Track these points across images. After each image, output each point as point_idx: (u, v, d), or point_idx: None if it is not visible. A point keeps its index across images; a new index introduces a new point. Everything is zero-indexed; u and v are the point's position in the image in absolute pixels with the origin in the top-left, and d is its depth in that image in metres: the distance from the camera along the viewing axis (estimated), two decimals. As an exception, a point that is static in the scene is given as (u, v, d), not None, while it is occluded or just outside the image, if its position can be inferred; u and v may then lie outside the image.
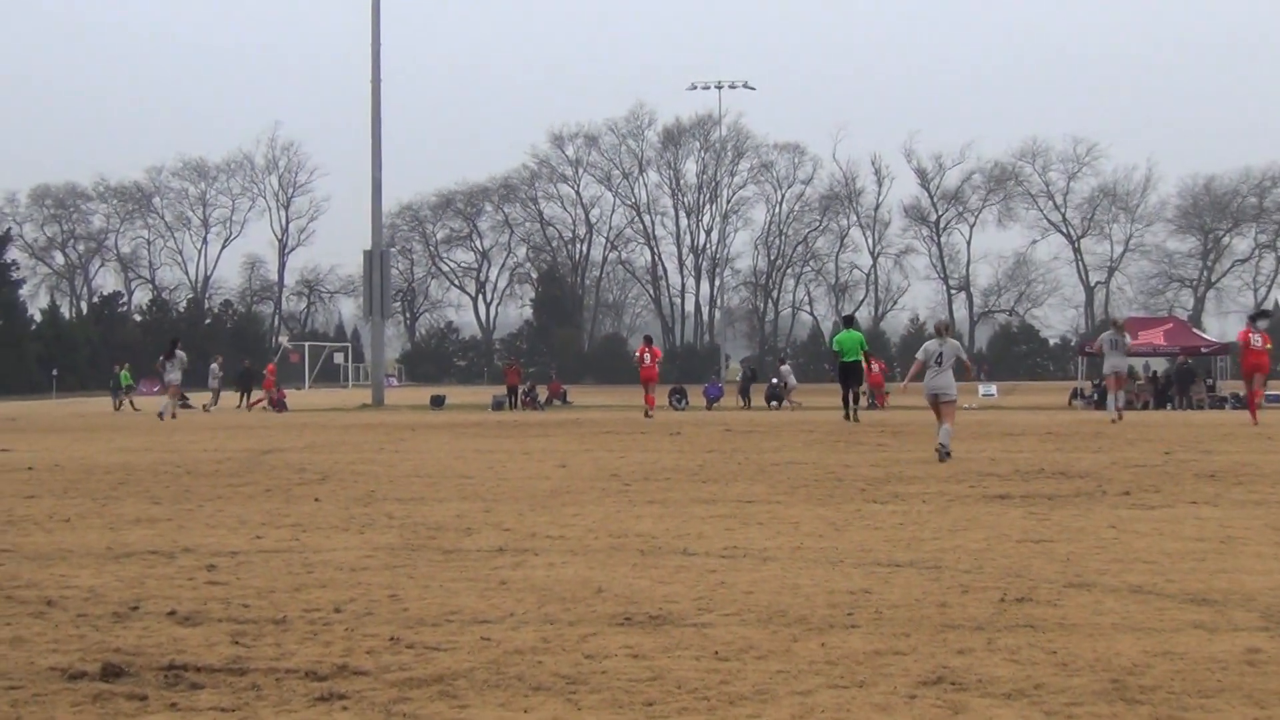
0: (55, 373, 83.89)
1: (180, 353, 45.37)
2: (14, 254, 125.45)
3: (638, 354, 44.61)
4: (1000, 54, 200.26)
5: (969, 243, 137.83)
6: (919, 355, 22.99)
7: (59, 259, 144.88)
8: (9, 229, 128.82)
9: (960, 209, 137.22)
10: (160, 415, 42.49)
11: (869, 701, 6.08)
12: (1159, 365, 63.75)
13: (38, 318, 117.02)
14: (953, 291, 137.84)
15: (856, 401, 34.96)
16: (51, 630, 7.80)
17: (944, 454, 21.33)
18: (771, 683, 6.40)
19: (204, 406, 58.57)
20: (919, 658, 6.91)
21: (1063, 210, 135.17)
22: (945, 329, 23.72)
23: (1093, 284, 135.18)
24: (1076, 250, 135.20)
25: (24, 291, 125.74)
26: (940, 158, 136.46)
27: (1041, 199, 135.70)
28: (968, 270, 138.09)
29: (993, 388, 70.32)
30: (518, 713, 5.97)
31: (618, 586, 9.15)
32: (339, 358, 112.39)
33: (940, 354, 22.54)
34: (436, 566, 10.14)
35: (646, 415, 40.40)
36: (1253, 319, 34.47)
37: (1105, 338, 34.35)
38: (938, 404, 22.32)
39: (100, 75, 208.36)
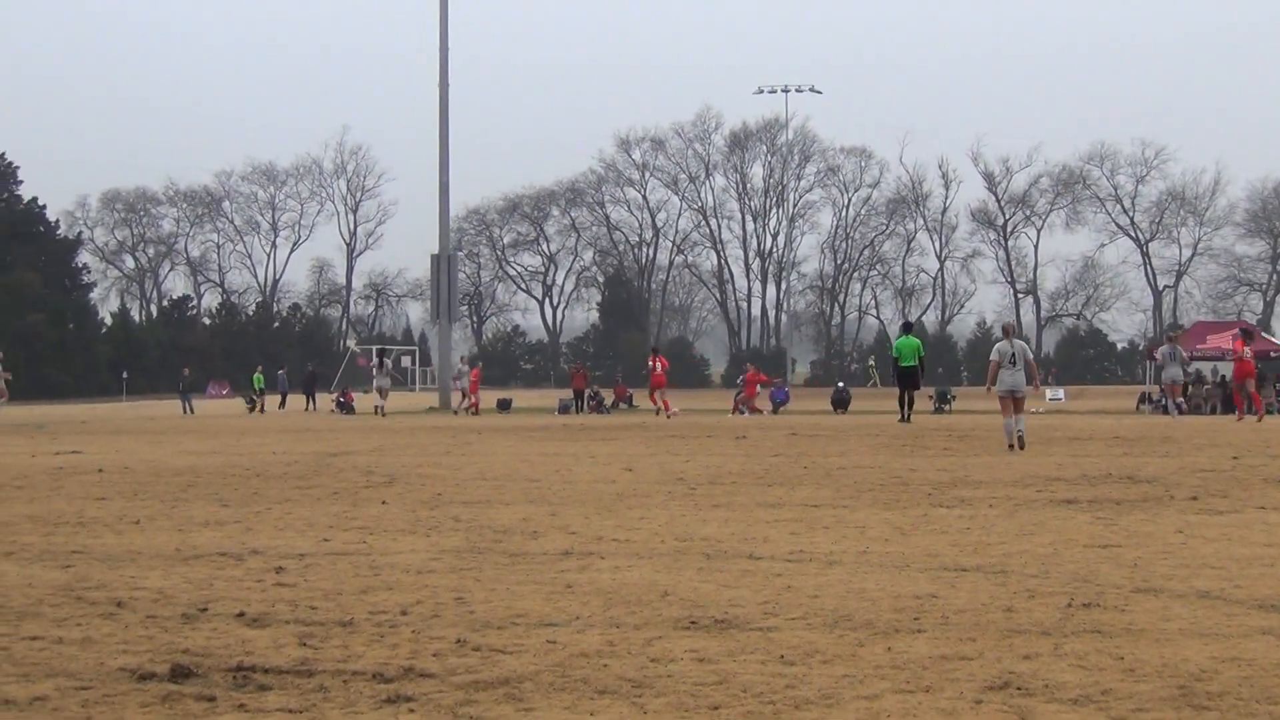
0: (125, 375, 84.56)
1: (388, 361, 53.08)
2: (85, 258, 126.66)
3: (649, 363, 48.77)
4: (1067, 57, 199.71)
5: (1036, 246, 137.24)
6: (993, 357, 25.46)
7: (129, 263, 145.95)
8: (80, 233, 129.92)
9: (1027, 212, 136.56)
10: (376, 410, 48.86)
11: (935, 706, 6.06)
12: (1227, 370, 63.17)
13: (108, 321, 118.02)
14: (1020, 295, 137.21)
15: (912, 405, 35.64)
16: (121, 631, 7.85)
17: (1021, 444, 23.73)
18: (837, 687, 6.39)
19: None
20: (985, 663, 6.88)
21: (1130, 214, 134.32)
22: (1012, 330, 26.26)
23: (1161, 288, 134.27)
24: (1144, 254, 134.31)
25: (95, 295, 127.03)
26: (1007, 161, 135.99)
27: (1109, 202, 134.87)
28: (1035, 274, 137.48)
29: (1060, 392, 69.86)
30: (583, 716, 5.98)
31: (683, 590, 9.15)
32: (406, 361, 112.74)
33: (1013, 354, 25.10)
34: (502, 569, 10.16)
35: (666, 416, 43.96)
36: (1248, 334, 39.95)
37: (1163, 350, 37.39)
38: (1012, 399, 24.57)
39: (170, 80, 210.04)
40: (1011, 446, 23.88)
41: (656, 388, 47.05)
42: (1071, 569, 10.01)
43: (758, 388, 53.68)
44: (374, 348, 64.43)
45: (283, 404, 64.82)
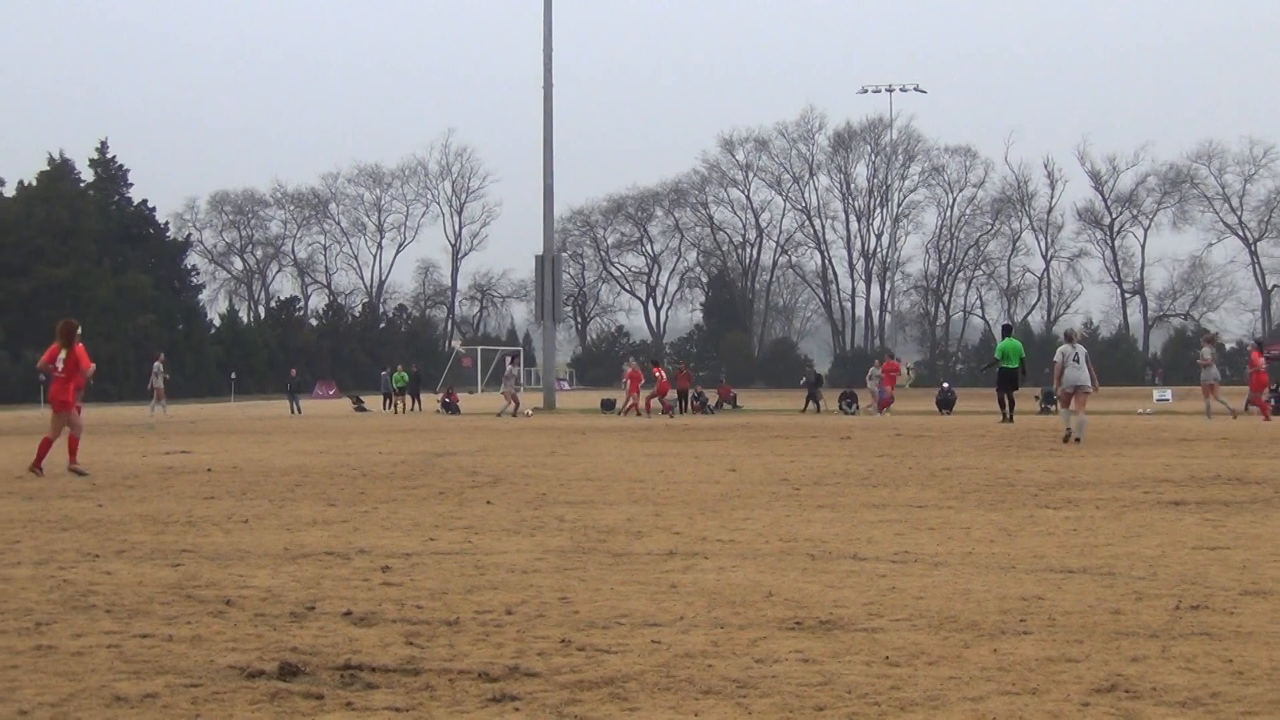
0: (233, 376, 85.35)
1: (516, 365, 55.57)
2: (194, 260, 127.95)
3: (654, 372, 54.40)
4: (1175, 54, 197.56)
5: (1143, 246, 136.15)
6: (1057, 358, 28.33)
7: (237, 264, 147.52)
8: (189, 235, 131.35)
9: (1134, 212, 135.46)
10: (514, 414, 50.01)
11: (1041, 709, 6.02)
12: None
13: (216, 322, 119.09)
14: (1126, 295, 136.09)
15: (1014, 406, 36.09)
16: (230, 629, 7.92)
17: (1077, 438, 26.39)
18: (943, 689, 6.37)
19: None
20: (1092, 665, 6.83)
21: (1239, 213, 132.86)
22: (1074, 335, 29.92)
23: (1269, 287, 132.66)
24: (1253, 253, 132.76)
25: (204, 296, 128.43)
26: (1114, 160, 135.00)
27: (1217, 201, 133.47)
28: (1142, 274, 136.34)
29: (1167, 393, 69.07)
30: (688, 716, 5.98)
31: (788, 591, 9.14)
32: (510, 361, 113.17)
33: (1076, 354, 28.02)
34: (607, 569, 10.18)
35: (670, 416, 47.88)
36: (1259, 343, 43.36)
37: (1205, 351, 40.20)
38: (1076, 394, 27.45)
39: (278, 84, 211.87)
40: (1066, 439, 26.63)
41: (662, 394, 51.47)
42: (1179, 571, 9.92)
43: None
44: (508, 354, 64.86)
45: (387, 404, 65.19)
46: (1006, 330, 43.11)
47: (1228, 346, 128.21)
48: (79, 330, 20.97)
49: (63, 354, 20.31)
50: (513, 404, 51.11)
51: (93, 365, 20.81)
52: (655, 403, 52.67)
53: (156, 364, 50.83)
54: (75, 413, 20.60)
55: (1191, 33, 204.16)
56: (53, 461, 20.32)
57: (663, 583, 9.51)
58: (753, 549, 11.36)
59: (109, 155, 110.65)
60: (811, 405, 55.95)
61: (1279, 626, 7.82)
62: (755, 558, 10.80)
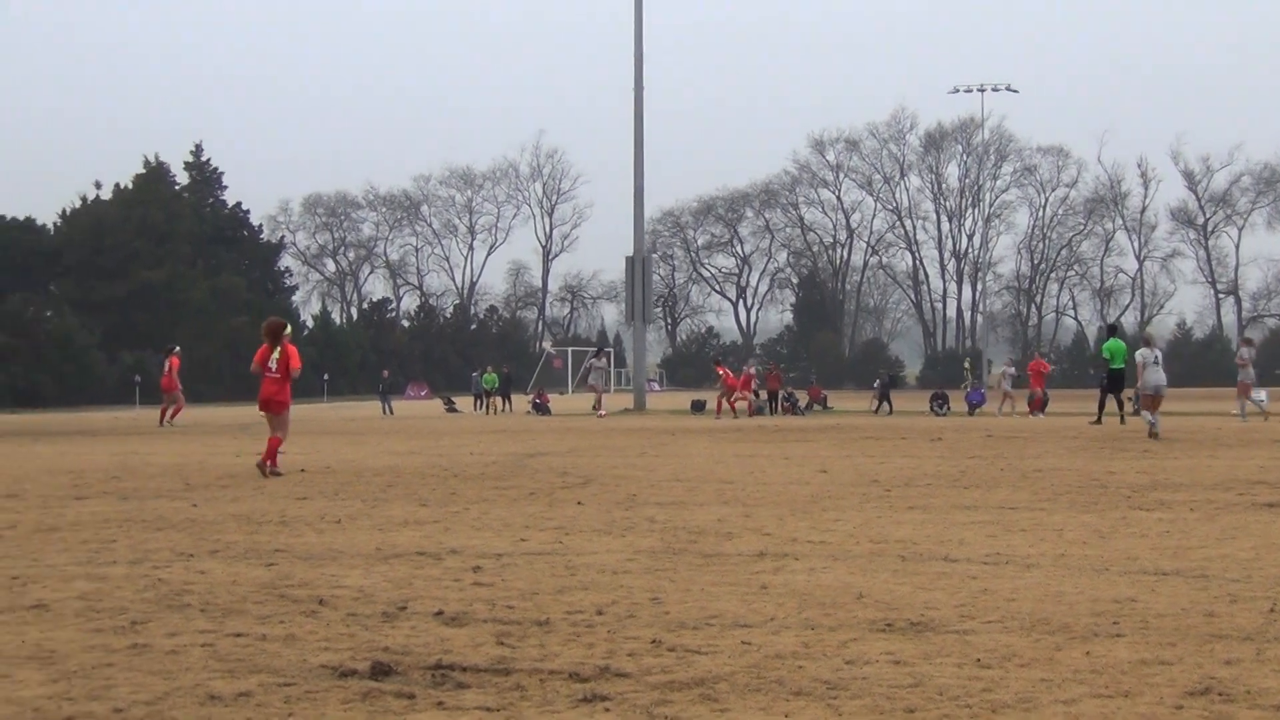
0: (326, 377, 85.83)
1: (600, 359, 57.67)
2: (287, 261, 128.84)
3: (718, 371, 54.25)
4: (1268, 52, 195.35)
5: (1237, 246, 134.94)
6: (1138, 359, 29.88)
7: (330, 266, 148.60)
8: (283, 237, 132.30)
9: (1229, 211, 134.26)
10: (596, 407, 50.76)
11: (1135, 711, 6.00)
12: None
13: (310, 323, 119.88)
14: (1221, 296, 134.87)
15: (1122, 407, 35.82)
16: (323, 629, 7.99)
17: (1156, 433, 27.88)
18: (1035, 691, 6.35)
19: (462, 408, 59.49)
20: (1185, 668, 6.79)
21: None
22: (1152, 339, 31.06)
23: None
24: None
25: (297, 298, 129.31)
26: (1208, 159, 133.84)
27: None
28: (1236, 274, 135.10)
29: (1263, 394, 68.22)
30: (778, 717, 5.99)
31: (878, 592, 9.12)
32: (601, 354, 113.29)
33: (1156, 356, 29.72)
34: (697, 570, 10.19)
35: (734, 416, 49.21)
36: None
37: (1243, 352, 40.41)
38: (1158, 396, 29.06)
39: (369, 86, 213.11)
40: (1152, 435, 27.79)
41: (730, 390, 51.82)
42: (1274, 574, 9.83)
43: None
44: (594, 348, 65.49)
45: (479, 405, 65.43)
46: (1112, 330, 43.03)
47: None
48: (288, 329, 21.17)
49: (275, 354, 20.46)
50: (599, 397, 51.32)
51: (301, 367, 20.87)
52: (732, 403, 52.50)
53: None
54: (287, 413, 20.72)
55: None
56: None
57: (753, 584, 9.52)
58: (843, 550, 11.35)
59: (204, 158, 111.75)
60: (885, 407, 55.75)
61: (1376, 630, 7.75)
62: (846, 559, 10.79)
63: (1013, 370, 55.14)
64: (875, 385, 61.68)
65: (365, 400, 64.37)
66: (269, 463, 19.76)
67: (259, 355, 20.65)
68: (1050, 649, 7.26)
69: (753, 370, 55.20)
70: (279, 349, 20.45)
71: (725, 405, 51.75)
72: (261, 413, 20.86)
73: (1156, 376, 29.27)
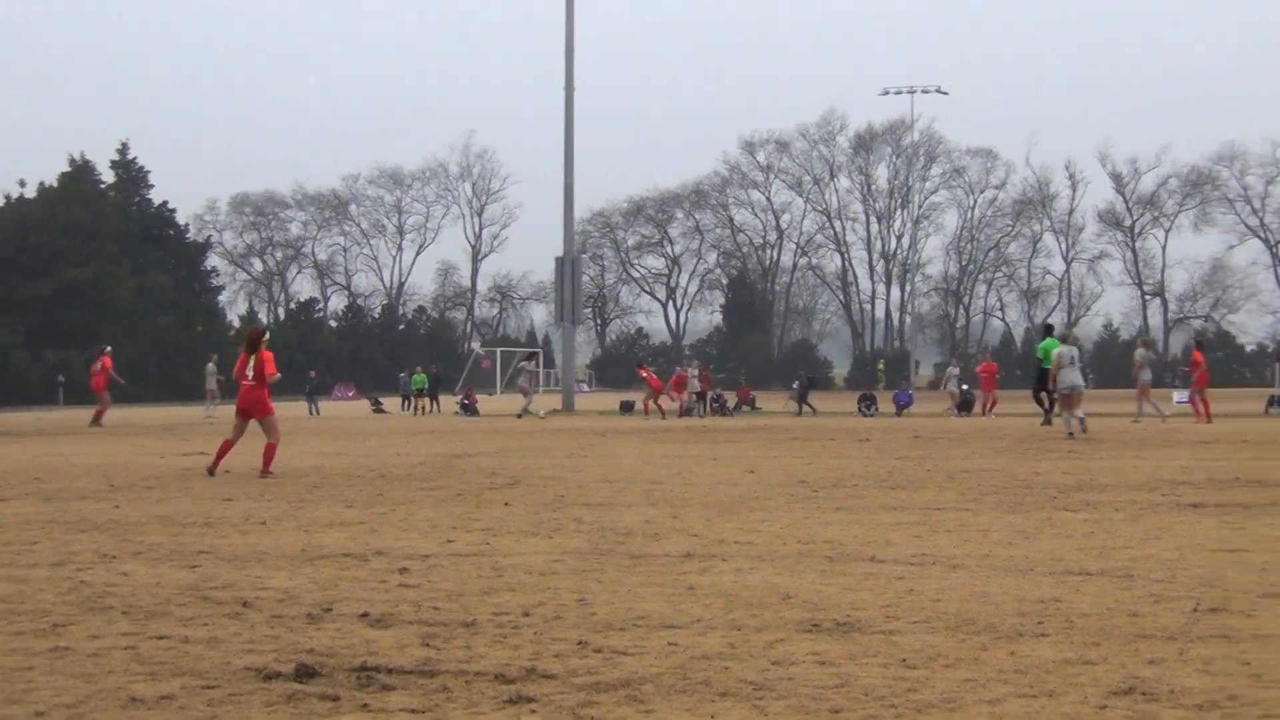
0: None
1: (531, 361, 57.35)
2: (214, 261, 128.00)
3: (644, 376, 55.42)
4: (1195, 56, 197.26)
5: (1164, 248, 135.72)
6: (1055, 358, 30.17)
7: (257, 266, 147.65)
8: (209, 236, 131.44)
9: (1156, 214, 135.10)
10: (528, 410, 50.19)
11: (1059, 711, 6.02)
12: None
13: (236, 323, 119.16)
14: (1147, 297, 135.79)
15: (1053, 408, 35.89)
16: (247, 631, 7.94)
17: (1083, 430, 28.54)
18: (959, 691, 6.37)
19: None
20: (1110, 667, 6.83)
21: (1260, 215, 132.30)
22: (1069, 337, 32.16)
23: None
24: (1274, 255, 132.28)
25: (223, 298, 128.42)
26: (1135, 162, 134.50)
27: (1239, 203, 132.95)
28: (1163, 276, 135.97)
29: (1186, 395, 68.91)
30: (704, 718, 5.99)
31: (805, 593, 9.14)
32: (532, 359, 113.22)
33: (1073, 355, 30.33)
34: (624, 571, 10.19)
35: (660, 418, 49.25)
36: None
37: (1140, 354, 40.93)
38: (1073, 394, 29.47)
39: (298, 85, 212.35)
40: (1071, 435, 28.35)
41: (655, 394, 52.69)
42: (1198, 573, 9.91)
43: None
44: (525, 355, 65.72)
45: (406, 405, 65.26)
46: (1048, 330, 42.89)
47: (1248, 349, 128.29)
48: (267, 336, 21.08)
49: (252, 361, 20.36)
50: (528, 399, 51.41)
51: (277, 374, 20.73)
52: (660, 405, 52.69)
53: (210, 365, 52.04)
54: (272, 417, 20.56)
55: (1213, 33, 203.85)
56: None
57: (680, 584, 9.52)
58: (770, 551, 11.37)
59: (130, 156, 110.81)
60: (807, 409, 55.98)
61: (1297, 629, 7.81)
62: (773, 560, 10.81)
63: (958, 372, 55.36)
64: (794, 386, 61.83)
65: (292, 401, 63.84)
66: (265, 469, 19.86)
67: (239, 363, 20.60)
68: (975, 649, 7.29)
69: (694, 372, 55.25)
70: (255, 356, 20.36)
71: (652, 406, 51.87)
72: (237, 418, 20.65)
73: (1073, 376, 29.92)
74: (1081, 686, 6.45)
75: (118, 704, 6.23)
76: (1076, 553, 11.11)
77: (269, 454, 19.90)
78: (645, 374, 55.19)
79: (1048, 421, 35.15)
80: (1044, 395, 35.88)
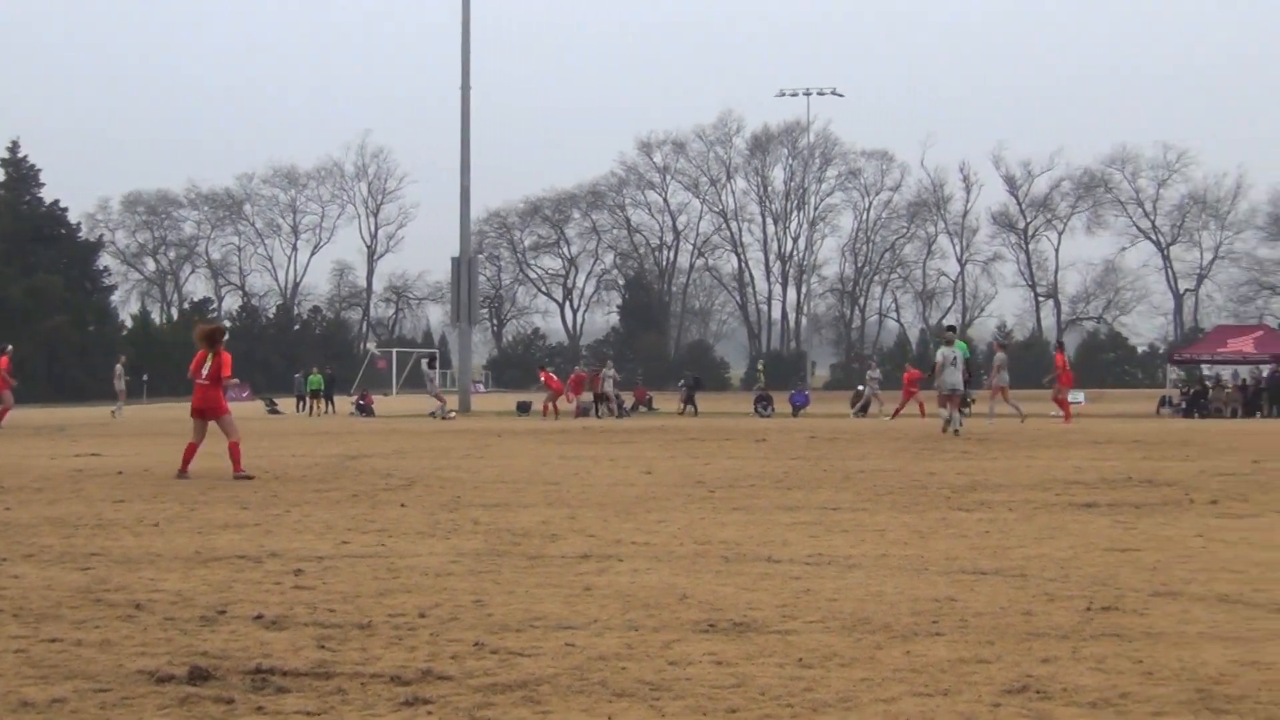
0: (145, 378, 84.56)
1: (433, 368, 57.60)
2: (106, 260, 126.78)
3: (544, 378, 56.24)
4: (1089, 60, 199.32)
5: (1057, 250, 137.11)
6: (938, 359, 31.52)
7: (150, 265, 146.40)
8: (101, 236, 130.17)
9: (1049, 216, 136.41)
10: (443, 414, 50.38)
11: (953, 710, 6.06)
12: (1248, 373, 63.09)
13: (129, 323, 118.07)
14: (1040, 299, 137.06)
15: (966, 407, 36.71)
16: (140, 633, 7.86)
17: (957, 431, 29.56)
18: (855, 690, 6.39)
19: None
20: (1004, 666, 6.88)
21: (1152, 217, 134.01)
22: (952, 339, 32.63)
23: (1182, 291, 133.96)
24: (1165, 257, 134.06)
25: (116, 298, 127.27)
26: (1029, 165, 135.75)
27: (1131, 206, 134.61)
28: (1056, 277, 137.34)
29: (1080, 395, 69.72)
30: (601, 719, 5.98)
31: (702, 593, 9.15)
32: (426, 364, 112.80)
33: (955, 357, 31.04)
34: (521, 572, 10.17)
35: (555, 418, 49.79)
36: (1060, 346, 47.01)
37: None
38: (955, 395, 30.88)
39: (192, 83, 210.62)
40: (945, 431, 30.04)
41: (556, 395, 53.49)
42: (1090, 572, 10.00)
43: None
44: (424, 356, 65.29)
45: (301, 406, 64.93)
46: (950, 332, 43.38)
47: (1140, 350, 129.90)
48: (225, 335, 20.83)
49: (209, 360, 20.12)
50: (442, 403, 51.42)
51: (233, 378, 20.53)
52: (556, 406, 52.83)
53: (118, 366, 51.93)
54: (230, 418, 20.30)
55: (1106, 38, 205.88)
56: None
57: (577, 585, 9.51)
58: (667, 551, 11.38)
59: (20, 155, 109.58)
60: (690, 409, 56.22)
61: (1188, 627, 7.90)
62: (670, 560, 10.81)
63: (879, 375, 55.76)
64: (680, 386, 62.08)
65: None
66: (237, 469, 19.58)
67: (195, 362, 20.39)
68: (871, 648, 7.32)
69: (610, 374, 55.51)
70: (213, 356, 20.14)
71: (551, 408, 51.99)
72: (194, 419, 20.42)
73: (954, 378, 31.14)
74: (976, 685, 6.49)
75: (8, 708, 6.15)
76: (971, 552, 11.19)
77: (234, 454, 19.65)
78: (545, 376, 55.29)
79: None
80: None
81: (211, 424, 20.29)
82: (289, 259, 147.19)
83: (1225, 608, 8.55)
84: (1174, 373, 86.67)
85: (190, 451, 19.98)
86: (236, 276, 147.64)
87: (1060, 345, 54.04)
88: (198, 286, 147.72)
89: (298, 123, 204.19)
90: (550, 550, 11.47)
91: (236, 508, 15.23)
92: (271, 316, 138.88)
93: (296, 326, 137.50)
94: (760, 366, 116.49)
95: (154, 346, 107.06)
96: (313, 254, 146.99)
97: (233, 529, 13.21)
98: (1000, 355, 40.90)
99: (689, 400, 57.31)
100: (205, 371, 20.18)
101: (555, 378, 55.45)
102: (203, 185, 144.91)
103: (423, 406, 56.98)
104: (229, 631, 7.93)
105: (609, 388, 54.85)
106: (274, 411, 62.34)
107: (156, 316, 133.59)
